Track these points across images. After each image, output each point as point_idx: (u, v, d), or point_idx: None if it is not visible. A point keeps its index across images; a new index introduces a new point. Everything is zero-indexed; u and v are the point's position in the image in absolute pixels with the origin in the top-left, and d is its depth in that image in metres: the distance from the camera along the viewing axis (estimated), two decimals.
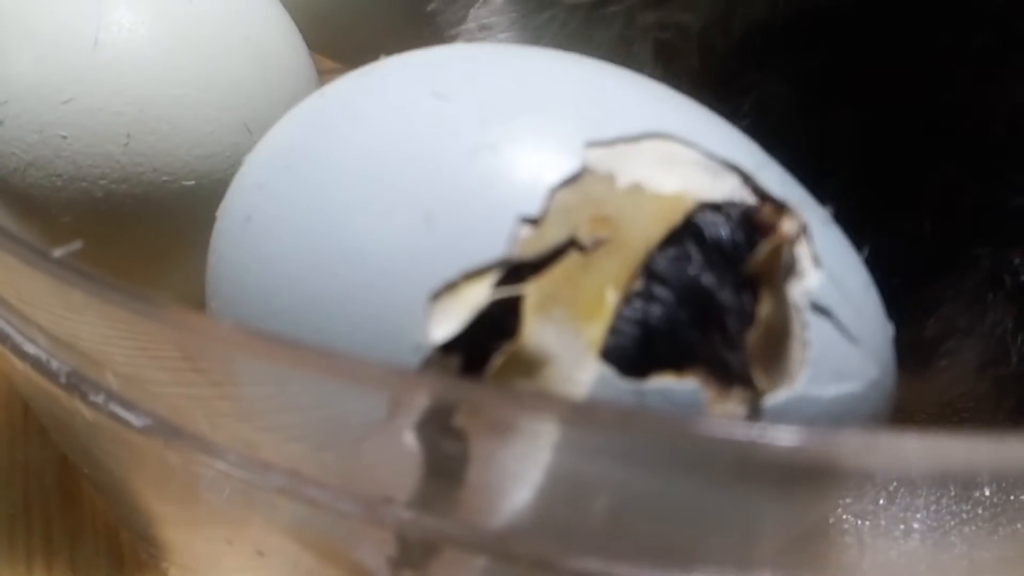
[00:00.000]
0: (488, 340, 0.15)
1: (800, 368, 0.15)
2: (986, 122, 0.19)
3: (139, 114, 0.21)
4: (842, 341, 0.15)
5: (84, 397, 0.16)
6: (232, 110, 0.19)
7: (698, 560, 0.13)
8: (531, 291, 0.15)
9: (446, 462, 0.14)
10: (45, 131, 0.21)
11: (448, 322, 0.14)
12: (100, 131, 0.21)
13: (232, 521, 0.18)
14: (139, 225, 0.21)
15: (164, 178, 0.21)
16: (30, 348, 0.17)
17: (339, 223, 0.16)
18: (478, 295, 0.14)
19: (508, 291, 0.15)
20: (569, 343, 0.14)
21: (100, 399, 0.16)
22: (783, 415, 0.14)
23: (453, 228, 0.15)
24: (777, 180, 0.16)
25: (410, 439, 0.14)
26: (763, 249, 0.14)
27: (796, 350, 0.15)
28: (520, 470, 0.14)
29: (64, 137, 0.21)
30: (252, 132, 0.21)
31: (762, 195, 0.15)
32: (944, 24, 0.19)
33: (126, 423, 0.16)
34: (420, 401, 0.14)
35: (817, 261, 0.15)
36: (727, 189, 0.15)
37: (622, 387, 0.14)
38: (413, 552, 0.15)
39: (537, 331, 0.14)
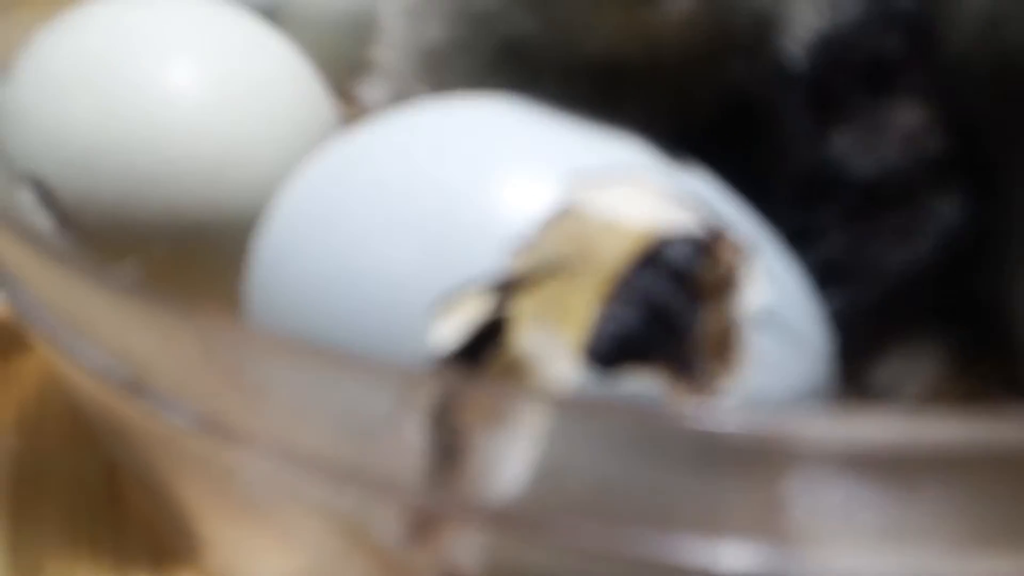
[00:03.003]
0: (484, 346, 0.16)
1: (748, 368, 0.16)
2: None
3: (220, 153, 0.22)
4: (786, 345, 0.17)
5: (138, 401, 0.18)
6: (292, 144, 0.21)
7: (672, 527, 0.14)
8: (522, 305, 0.16)
9: (451, 447, 0.15)
10: (134, 176, 0.22)
11: (448, 331, 0.16)
12: (188, 172, 0.22)
13: (265, 509, 0.18)
14: (215, 256, 0.22)
15: (241, 212, 0.22)
16: (90, 357, 0.18)
17: (355, 253, 0.17)
18: (474, 309, 0.16)
19: (502, 305, 0.16)
20: (553, 348, 0.16)
21: (151, 402, 0.17)
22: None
23: (452, 253, 0.17)
24: (724, 205, 0.18)
25: (420, 427, 0.15)
26: (715, 271, 0.16)
27: (745, 354, 0.16)
28: (517, 452, 0.15)
29: (154, 180, 0.22)
30: None
31: (714, 230, 0.17)
32: None
33: (174, 421, 0.17)
34: (429, 395, 0.15)
35: (762, 275, 0.17)
36: (684, 223, 0.17)
37: (598, 387, 0.16)
38: (432, 531, 0.16)
39: (527, 338, 0.16)
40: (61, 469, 0.26)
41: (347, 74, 0.24)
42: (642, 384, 0.16)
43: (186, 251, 0.21)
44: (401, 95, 0.22)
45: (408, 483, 0.15)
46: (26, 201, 0.23)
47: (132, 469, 0.23)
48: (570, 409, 0.15)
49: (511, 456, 0.15)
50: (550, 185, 0.17)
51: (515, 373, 0.16)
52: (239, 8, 0.25)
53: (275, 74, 0.24)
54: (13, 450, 0.26)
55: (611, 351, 0.16)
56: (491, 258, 0.16)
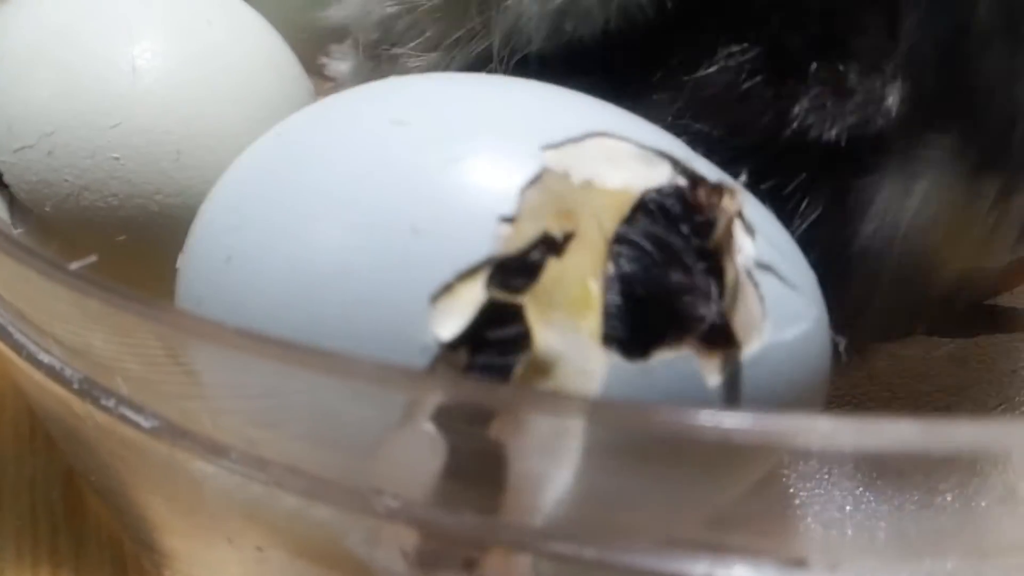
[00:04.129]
0: (501, 347, 0.15)
1: (762, 319, 0.16)
2: None
3: (186, 131, 0.22)
4: (786, 289, 0.17)
5: (96, 402, 0.17)
6: (263, 122, 0.20)
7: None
8: (528, 301, 0.15)
9: (449, 458, 0.15)
10: (97, 155, 0.21)
11: (451, 320, 0.15)
12: (152, 150, 0.21)
13: (233, 520, 0.18)
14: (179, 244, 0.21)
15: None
16: (44, 357, 0.18)
17: (327, 246, 0.16)
18: (474, 293, 0.15)
19: (504, 296, 0.15)
20: (573, 340, 0.15)
21: (111, 403, 0.17)
22: (760, 362, 0.16)
23: (439, 235, 0.16)
24: (700, 163, 0.17)
25: (414, 436, 0.15)
26: (720, 224, 0.16)
27: (755, 305, 0.16)
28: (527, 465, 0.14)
29: (117, 159, 0.21)
30: None
31: (694, 178, 0.17)
32: None
33: (135, 425, 0.16)
34: (433, 400, 0.14)
35: (750, 227, 0.17)
36: (664, 176, 0.17)
37: (630, 369, 0.15)
38: (412, 549, 0.16)
39: (543, 336, 0.15)
40: (19, 475, 0.25)
41: (318, 48, 0.24)
42: (674, 359, 0.16)
43: (149, 238, 0.21)
44: (363, 69, 0.22)
45: (395, 497, 0.15)
46: None
47: (92, 477, 0.22)
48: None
49: (545, 472, 0.14)
50: (528, 155, 0.16)
51: (541, 377, 0.15)
52: None
53: (246, 48, 0.23)
54: None
55: (631, 329, 0.16)
56: (481, 238, 0.16)
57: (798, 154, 0.19)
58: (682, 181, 0.17)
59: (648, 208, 0.16)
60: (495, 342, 0.15)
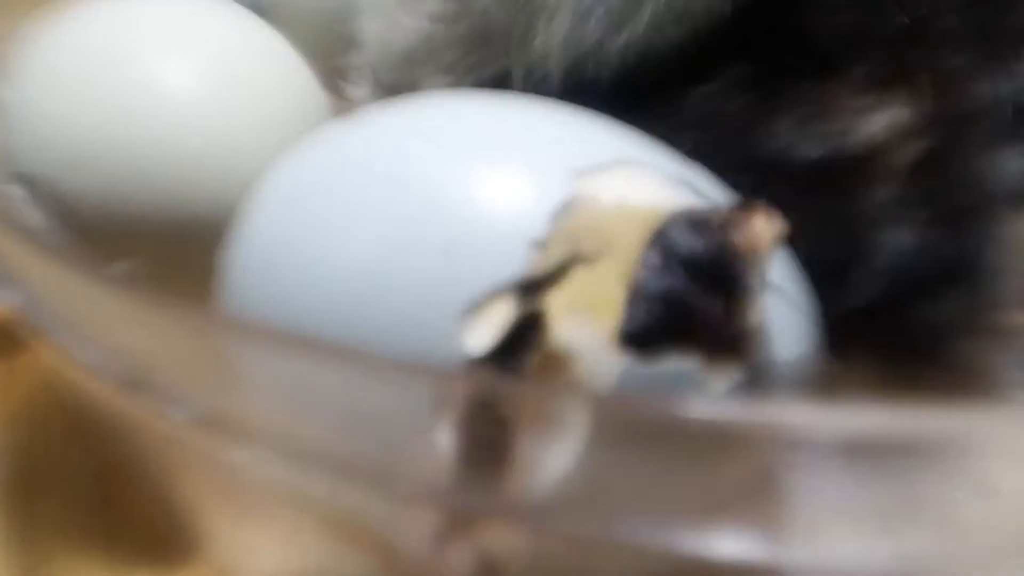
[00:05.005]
0: (518, 349, 0.16)
1: (767, 337, 0.17)
2: None
3: (212, 145, 0.22)
4: (790, 311, 0.18)
5: (136, 396, 0.17)
6: (283, 137, 0.21)
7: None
8: (552, 302, 0.16)
9: (487, 447, 0.15)
10: (128, 168, 0.22)
11: (480, 337, 0.16)
12: (180, 163, 0.22)
13: (267, 507, 0.19)
14: (212, 252, 0.21)
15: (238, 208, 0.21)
16: (89, 355, 0.18)
17: (361, 260, 0.17)
18: (504, 311, 0.16)
19: (533, 305, 0.16)
20: (590, 339, 0.16)
21: (151, 399, 0.17)
22: (761, 378, 0.17)
23: (470, 257, 0.16)
24: (717, 189, 0.18)
25: (438, 430, 0.15)
26: (723, 242, 0.17)
27: (762, 323, 0.17)
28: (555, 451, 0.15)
29: (147, 171, 0.22)
30: None
31: (715, 201, 0.18)
32: None
33: (174, 417, 0.17)
34: (458, 396, 0.15)
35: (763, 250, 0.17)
36: (687, 199, 0.18)
37: (639, 370, 0.16)
38: (462, 532, 0.16)
39: (563, 334, 0.16)
40: (59, 468, 0.26)
41: (336, 69, 0.24)
42: (679, 362, 0.16)
43: (182, 248, 0.22)
44: (384, 92, 0.22)
45: (435, 482, 0.15)
46: (19, 198, 0.23)
47: (131, 467, 0.23)
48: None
49: (551, 455, 0.15)
50: (558, 180, 0.17)
51: (555, 368, 0.16)
52: (232, 4, 0.25)
53: (271, 70, 0.24)
54: (10, 449, 0.26)
55: (645, 334, 0.16)
56: (512, 260, 0.16)
57: (782, 172, 0.19)
58: (704, 203, 0.18)
59: (673, 227, 0.17)
60: (516, 341, 0.16)
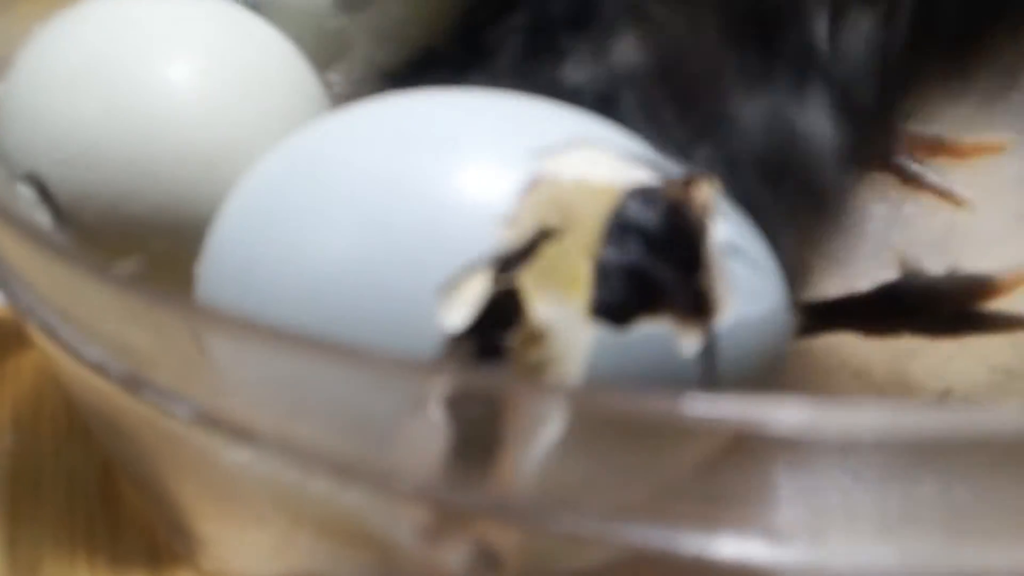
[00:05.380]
0: (499, 326, 0.17)
1: (732, 296, 0.18)
2: None
3: (217, 143, 0.22)
4: (753, 271, 0.19)
5: (136, 394, 0.18)
6: (286, 134, 0.20)
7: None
8: (524, 279, 0.17)
9: (462, 440, 0.15)
10: (134, 168, 0.22)
11: (457, 313, 0.17)
12: (185, 162, 0.22)
13: (263, 504, 0.19)
14: None
15: None
16: (89, 353, 0.18)
17: (340, 246, 0.18)
18: (478, 287, 0.17)
19: (505, 281, 0.17)
20: (564, 314, 0.17)
21: (150, 395, 0.17)
22: (731, 335, 0.18)
23: (445, 235, 0.17)
24: (669, 163, 0.19)
25: (426, 422, 0.15)
26: (695, 211, 0.18)
27: (725, 282, 0.18)
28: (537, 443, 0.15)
29: (153, 171, 0.22)
30: None
31: (669, 173, 0.18)
32: None
33: (173, 415, 0.17)
34: (442, 388, 0.15)
35: (719, 214, 0.18)
36: (642, 172, 0.18)
37: (614, 340, 0.17)
38: (425, 526, 0.17)
39: (538, 310, 0.17)
40: (58, 467, 0.26)
41: (332, 64, 0.25)
42: (652, 327, 0.17)
43: (183, 246, 0.21)
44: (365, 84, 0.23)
45: (425, 479, 0.16)
46: (24, 197, 0.23)
47: (129, 467, 0.23)
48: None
49: (533, 447, 0.15)
50: (521, 160, 0.18)
51: (535, 345, 0.17)
52: (232, 3, 0.25)
53: (271, 67, 0.24)
54: (9, 448, 0.26)
55: (616, 306, 0.17)
56: (483, 237, 0.17)
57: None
58: (658, 176, 0.18)
59: (633, 199, 0.18)
60: (494, 318, 0.17)
